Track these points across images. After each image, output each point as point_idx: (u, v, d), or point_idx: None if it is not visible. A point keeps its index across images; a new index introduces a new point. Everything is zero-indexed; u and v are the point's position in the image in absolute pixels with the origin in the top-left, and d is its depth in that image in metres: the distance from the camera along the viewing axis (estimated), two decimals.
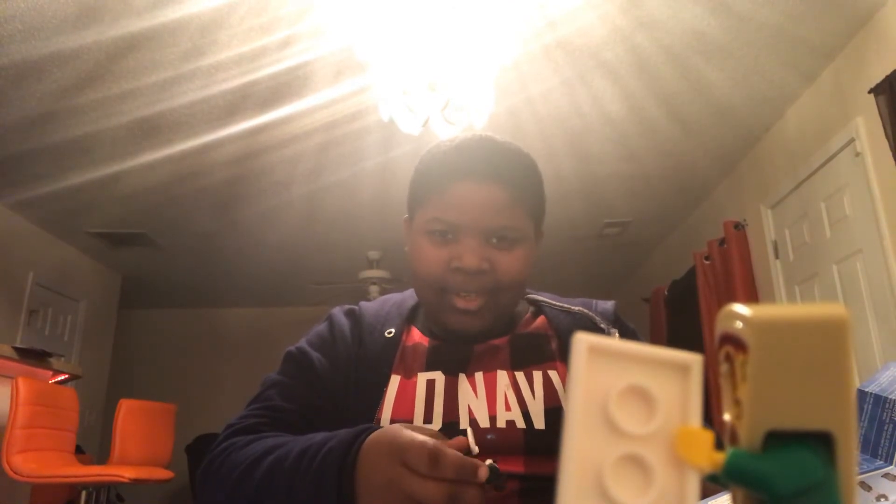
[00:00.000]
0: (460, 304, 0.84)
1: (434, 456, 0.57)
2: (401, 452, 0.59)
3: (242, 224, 4.83)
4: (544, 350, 0.88)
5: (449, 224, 0.84)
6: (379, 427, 0.66)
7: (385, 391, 0.84)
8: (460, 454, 0.58)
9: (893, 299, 2.69)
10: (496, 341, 0.89)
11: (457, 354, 0.87)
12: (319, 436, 0.70)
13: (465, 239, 0.83)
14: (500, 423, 0.79)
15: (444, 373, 0.85)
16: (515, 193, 0.84)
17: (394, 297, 1.00)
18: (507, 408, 0.81)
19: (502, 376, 0.85)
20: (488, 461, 0.59)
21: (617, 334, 0.91)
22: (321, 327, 0.96)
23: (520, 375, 0.85)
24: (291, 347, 0.93)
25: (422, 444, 0.58)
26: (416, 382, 0.84)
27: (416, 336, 0.92)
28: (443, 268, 0.84)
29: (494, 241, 0.84)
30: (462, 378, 0.85)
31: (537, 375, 0.84)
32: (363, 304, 0.99)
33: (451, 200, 0.83)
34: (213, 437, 0.83)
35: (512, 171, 0.85)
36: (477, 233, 0.83)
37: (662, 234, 5.26)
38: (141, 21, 2.61)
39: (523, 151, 0.90)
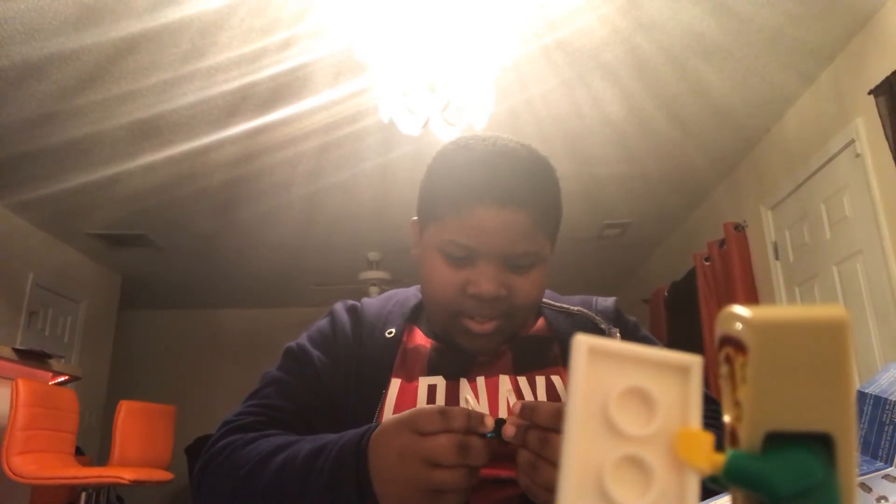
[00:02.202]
0: (474, 327, 0.82)
1: (443, 411, 0.61)
2: (410, 421, 0.62)
3: (242, 225, 4.83)
4: (546, 354, 0.87)
5: (466, 248, 0.79)
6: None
7: (385, 394, 0.83)
8: (464, 407, 0.63)
9: (893, 300, 2.69)
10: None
11: (459, 359, 0.86)
12: (330, 435, 0.70)
13: (482, 264, 0.80)
14: None
15: (445, 378, 0.84)
16: (537, 217, 0.80)
17: (397, 295, 0.98)
18: (510, 413, 0.80)
19: (504, 381, 0.84)
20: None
21: (618, 333, 0.90)
22: (322, 322, 0.95)
23: (522, 380, 0.84)
24: (292, 343, 0.92)
25: (429, 408, 0.62)
26: (416, 387, 0.83)
27: (418, 338, 0.90)
28: (457, 291, 0.81)
29: (512, 265, 0.81)
30: (464, 383, 0.84)
31: (540, 380, 0.84)
32: (365, 300, 0.97)
33: (470, 224, 0.79)
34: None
35: (535, 195, 0.81)
36: (495, 258, 0.79)
37: (662, 235, 5.26)
38: (141, 22, 2.61)
39: (545, 164, 0.85)
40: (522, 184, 0.80)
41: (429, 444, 0.60)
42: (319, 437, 0.71)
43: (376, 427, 0.66)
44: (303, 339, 0.92)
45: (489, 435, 0.62)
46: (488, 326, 0.82)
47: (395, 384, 0.84)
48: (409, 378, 0.85)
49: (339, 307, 0.96)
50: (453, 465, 0.60)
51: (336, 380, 0.86)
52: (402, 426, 0.62)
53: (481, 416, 0.61)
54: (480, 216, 0.78)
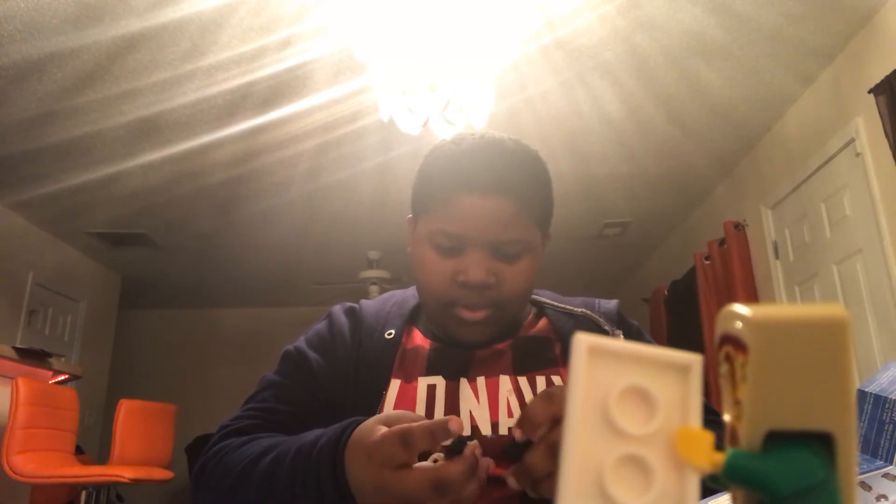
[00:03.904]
0: (466, 315, 0.82)
1: (403, 438, 0.58)
2: (375, 454, 0.59)
3: (242, 224, 4.83)
4: (547, 354, 0.87)
5: (454, 237, 0.81)
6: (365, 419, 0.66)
7: (384, 395, 0.83)
8: (425, 422, 0.59)
9: (893, 299, 2.69)
10: (499, 345, 0.87)
11: (458, 359, 0.86)
12: (312, 434, 0.70)
13: (470, 252, 0.80)
14: (503, 430, 0.78)
15: (444, 378, 0.83)
16: (523, 205, 0.81)
17: (395, 296, 0.98)
18: (510, 414, 0.80)
19: (504, 381, 0.83)
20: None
21: (621, 335, 0.90)
22: (320, 326, 0.94)
23: (522, 381, 0.83)
24: (290, 346, 0.92)
25: (388, 436, 0.59)
26: (416, 387, 0.83)
27: (417, 338, 0.90)
28: (448, 281, 0.82)
29: (500, 253, 0.81)
30: (463, 383, 0.83)
31: (540, 381, 0.83)
32: (364, 302, 0.97)
33: (456, 213, 0.80)
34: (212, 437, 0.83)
35: (520, 181, 0.81)
36: (483, 246, 0.80)
37: (662, 234, 5.26)
38: (141, 21, 2.61)
39: (532, 155, 0.86)
40: (507, 172, 0.81)
41: (403, 484, 0.57)
42: (305, 436, 0.70)
43: (355, 427, 0.65)
44: (300, 343, 0.92)
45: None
46: (480, 314, 0.82)
47: (395, 385, 0.84)
48: (409, 378, 0.84)
49: (336, 309, 0.96)
50: (434, 500, 0.57)
51: (334, 382, 0.86)
52: (371, 458, 0.60)
53: (444, 424, 0.57)
54: (465, 204, 0.80)
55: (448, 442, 0.59)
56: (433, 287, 0.83)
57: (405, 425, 0.59)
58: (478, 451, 0.60)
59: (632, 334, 0.93)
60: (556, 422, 0.58)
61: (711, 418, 0.51)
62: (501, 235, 0.80)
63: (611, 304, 0.96)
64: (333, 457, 0.64)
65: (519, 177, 0.82)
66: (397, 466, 0.58)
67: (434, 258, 0.83)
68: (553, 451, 0.57)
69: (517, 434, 0.59)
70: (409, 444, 0.57)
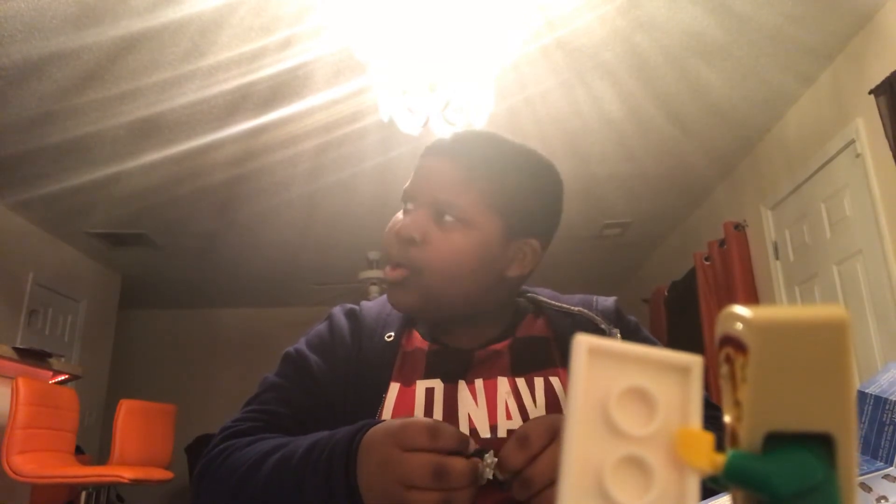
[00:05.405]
0: (388, 273, 0.83)
1: (433, 429, 0.59)
2: (398, 434, 0.60)
3: (242, 224, 4.83)
4: (545, 355, 0.86)
5: (406, 194, 0.85)
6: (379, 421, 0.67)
7: (384, 398, 0.82)
8: (455, 429, 0.61)
9: (893, 300, 2.69)
10: (497, 346, 0.87)
11: (456, 360, 0.85)
12: (324, 432, 0.70)
13: (415, 210, 0.83)
14: (501, 433, 0.78)
15: (442, 380, 0.83)
16: (473, 175, 0.81)
17: None
18: (508, 416, 0.80)
19: (503, 383, 0.83)
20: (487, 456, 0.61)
21: (619, 334, 0.89)
22: (321, 327, 0.94)
23: (521, 382, 0.83)
24: (290, 349, 0.92)
25: (421, 422, 0.60)
26: (414, 391, 0.83)
27: (417, 340, 0.90)
28: (390, 235, 0.84)
29: (439, 216, 0.81)
30: (462, 385, 0.83)
31: (539, 382, 0.83)
32: (364, 304, 0.97)
33: (415, 173, 0.86)
34: (212, 438, 0.82)
35: (479, 154, 0.83)
36: (426, 205, 0.82)
37: (662, 234, 5.26)
38: (141, 21, 2.61)
39: (517, 148, 0.87)
40: (470, 144, 0.85)
41: (405, 463, 0.58)
42: (316, 434, 0.70)
43: (370, 427, 0.65)
44: (301, 345, 0.92)
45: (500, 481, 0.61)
46: (398, 273, 0.82)
47: (394, 388, 0.83)
48: (408, 382, 0.84)
49: (337, 311, 0.96)
50: (428, 488, 0.57)
51: (335, 385, 0.86)
52: (388, 437, 0.61)
53: (468, 440, 0.60)
54: (421, 164, 0.86)
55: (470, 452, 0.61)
56: (383, 243, 0.87)
57: (440, 422, 0.61)
58: (491, 462, 0.61)
59: (629, 331, 0.92)
60: (532, 460, 0.60)
61: (712, 413, 0.51)
62: (440, 195, 0.81)
63: (608, 301, 0.96)
64: (347, 452, 0.64)
65: (481, 151, 0.84)
66: (409, 449, 0.59)
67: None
68: (527, 486, 0.59)
69: (500, 475, 0.61)
70: (435, 434, 0.59)
